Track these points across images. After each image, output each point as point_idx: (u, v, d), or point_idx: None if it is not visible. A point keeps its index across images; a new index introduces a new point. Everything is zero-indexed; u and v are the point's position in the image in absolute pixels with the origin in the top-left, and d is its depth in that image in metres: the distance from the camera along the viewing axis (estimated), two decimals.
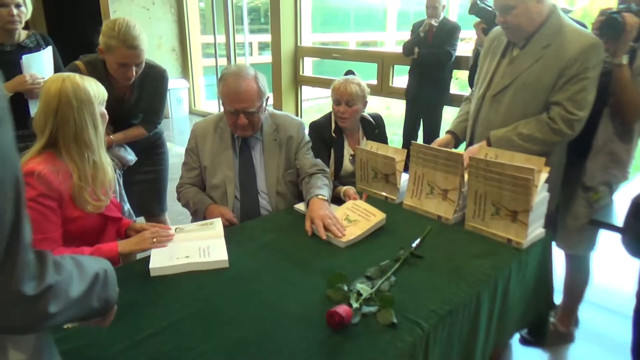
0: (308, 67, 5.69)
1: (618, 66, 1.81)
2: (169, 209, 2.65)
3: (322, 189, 1.89)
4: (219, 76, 1.96)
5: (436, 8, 3.95)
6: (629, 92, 1.82)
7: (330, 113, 2.36)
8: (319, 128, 2.32)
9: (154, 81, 2.23)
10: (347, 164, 2.32)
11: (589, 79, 1.77)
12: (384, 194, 2.10)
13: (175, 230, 1.68)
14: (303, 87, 5.71)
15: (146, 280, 1.44)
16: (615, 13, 1.79)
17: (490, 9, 2.63)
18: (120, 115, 2.12)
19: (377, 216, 1.78)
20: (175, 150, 4.74)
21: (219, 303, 1.33)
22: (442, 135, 2.26)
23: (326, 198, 1.86)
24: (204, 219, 1.89)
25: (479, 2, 2.61)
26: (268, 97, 1.96)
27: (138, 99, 2.22)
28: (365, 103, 2.32)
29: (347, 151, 2.33)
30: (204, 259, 1.51)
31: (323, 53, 5.57)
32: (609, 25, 1.79)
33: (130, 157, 2.23)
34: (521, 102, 1.88)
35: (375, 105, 3.95)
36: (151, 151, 2.45)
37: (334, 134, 2.30)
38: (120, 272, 1.00)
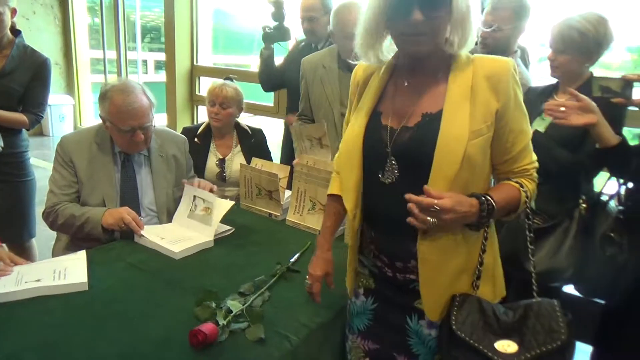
0: (207, 87, 5.57)
1: None
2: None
3: None
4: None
5: None
6: None
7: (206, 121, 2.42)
8: (187, 133, 2.32)
9: (32, 65, 2.19)
10: (210, 167, 2.36)
11: None
12: (267, 210, 2.08)
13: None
14: (200, 107, 5.57)
15: None
16: None
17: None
18: None
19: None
20: None
21: (71, 329, 1.20)
22: None
23: None
24: (102, 227, 1.71)
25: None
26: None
27: (11, 74, 2.13)
28: (240, 109, 2.38)
29: (215, 155, 2.37)
30: (58, 282, 1.36)
31: (219, 73, 5.45)
32: None
33: None
34: None
35: (273, 126, 4.01)
36: (14, 173, 2.25)
37: (196, 140, 2.34)
38: None
